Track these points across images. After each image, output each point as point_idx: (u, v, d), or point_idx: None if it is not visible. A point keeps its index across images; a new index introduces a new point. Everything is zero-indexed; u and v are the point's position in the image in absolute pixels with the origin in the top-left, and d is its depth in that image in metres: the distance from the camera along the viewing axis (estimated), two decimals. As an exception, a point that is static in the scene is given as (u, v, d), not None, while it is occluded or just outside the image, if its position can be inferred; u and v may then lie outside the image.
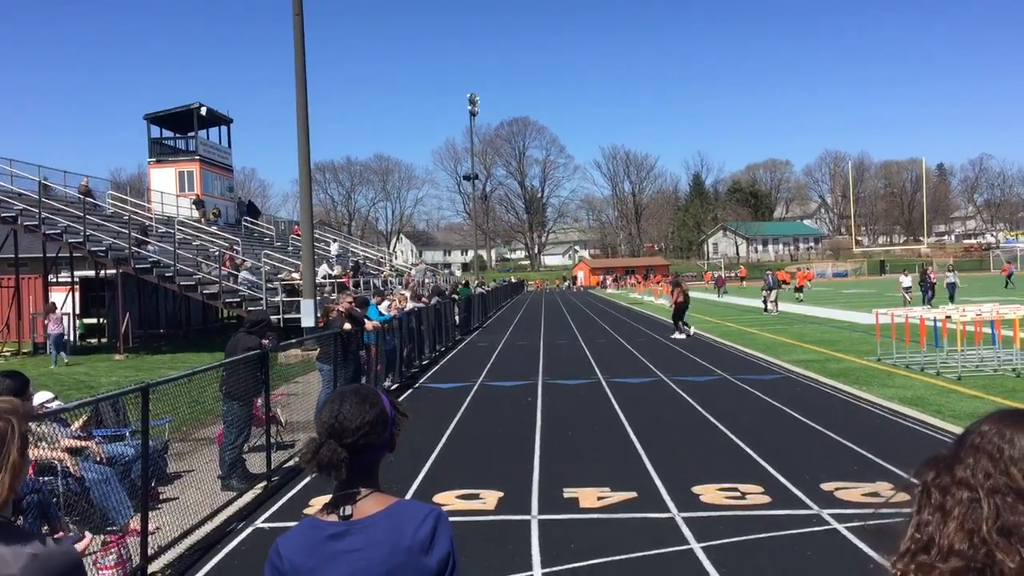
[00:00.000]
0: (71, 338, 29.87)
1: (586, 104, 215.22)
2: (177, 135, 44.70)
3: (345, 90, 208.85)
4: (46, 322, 25.51)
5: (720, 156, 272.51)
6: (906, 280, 42.27)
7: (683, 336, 26.17)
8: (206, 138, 45.26)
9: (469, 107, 74.45)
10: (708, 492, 8.23)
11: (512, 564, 6.42)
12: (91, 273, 32.35)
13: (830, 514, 7.40)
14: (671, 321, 27.71)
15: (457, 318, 29.58)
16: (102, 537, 6.45)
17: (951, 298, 38.12)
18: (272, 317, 24.89)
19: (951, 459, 1.86)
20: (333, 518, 2.22)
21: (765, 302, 39.35)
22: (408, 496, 8.40)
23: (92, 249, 28.33)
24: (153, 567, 6.65)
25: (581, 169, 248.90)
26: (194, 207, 40.48)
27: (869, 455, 9.59)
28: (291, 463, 10.28)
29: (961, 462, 1.83)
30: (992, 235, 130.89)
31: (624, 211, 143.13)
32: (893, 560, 1.87)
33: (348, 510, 2.22)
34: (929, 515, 1.82)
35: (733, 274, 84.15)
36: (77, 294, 31.97)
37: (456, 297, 31.84)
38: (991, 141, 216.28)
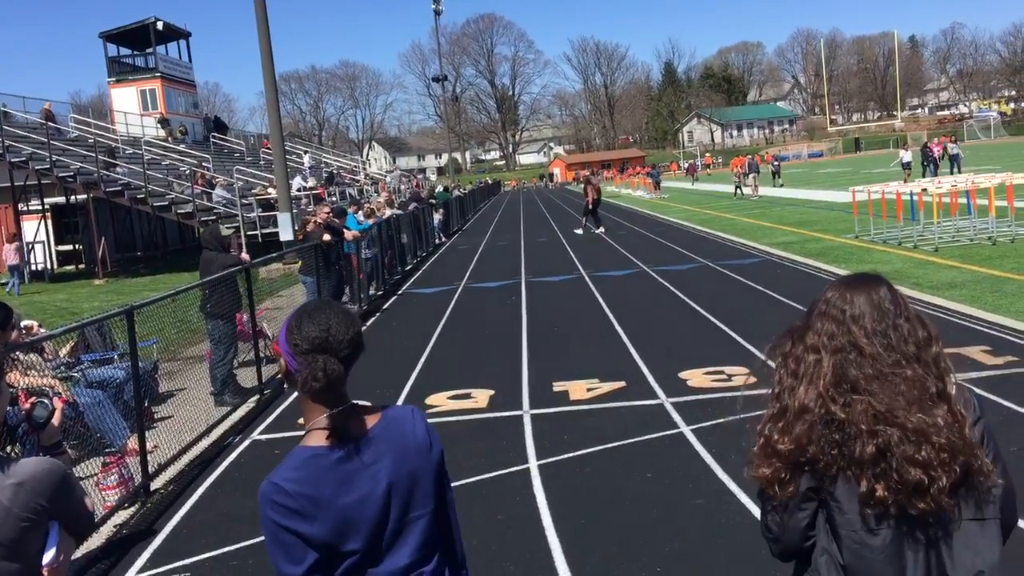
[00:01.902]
0: (48, 266, 29.63)
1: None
2: (135, 52, 43.47)
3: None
4: (3, 255, 25.20)
5: (691, 42, 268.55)
6: (905, 155, 39.47)
7: (586, 231, 26.52)
8: (165, 54, 44.04)
9: (433, 6, 72.69)
10: (695, 376, 8.38)
11: (508, 458, 6.56)
12: (62, 200, 31.86)
13: (814, 390, 7.55)
14: (584, 216, 28.00)
15: (437, 221, 29.48)
16: (102, 459, 6.53)
17: (957, 169, 36.56)
18: (250, 232, 24.75)
19: (803, 328, 2.07)
20: (330, 442, 2.08)
21: (738, 187, 39.67)
22: (401, 400, 8.52)
23: (60, 175, 27.83)
24: (155, 484, 6.76)
25: (551, 64, 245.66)
26: (159, 126, 39.68)
27: (850, 331, 9.74)
28: (282, 375, 10.36)
29: (811, 328, 2.02)
30: (965, 105, 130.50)
31: (597, 104, 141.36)
32: (759, 427, 2.06)
33: (353, 429, 2.11)
34: (786, 381, 2.02)
35: (699, 162, 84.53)
36: (49, 221, 31.54)
37: (434, 202, 31.67)
38: (962, 9, 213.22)
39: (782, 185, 43.45)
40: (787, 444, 1.96)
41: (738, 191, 39.50)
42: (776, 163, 47.60)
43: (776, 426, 2.01)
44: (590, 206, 27.08)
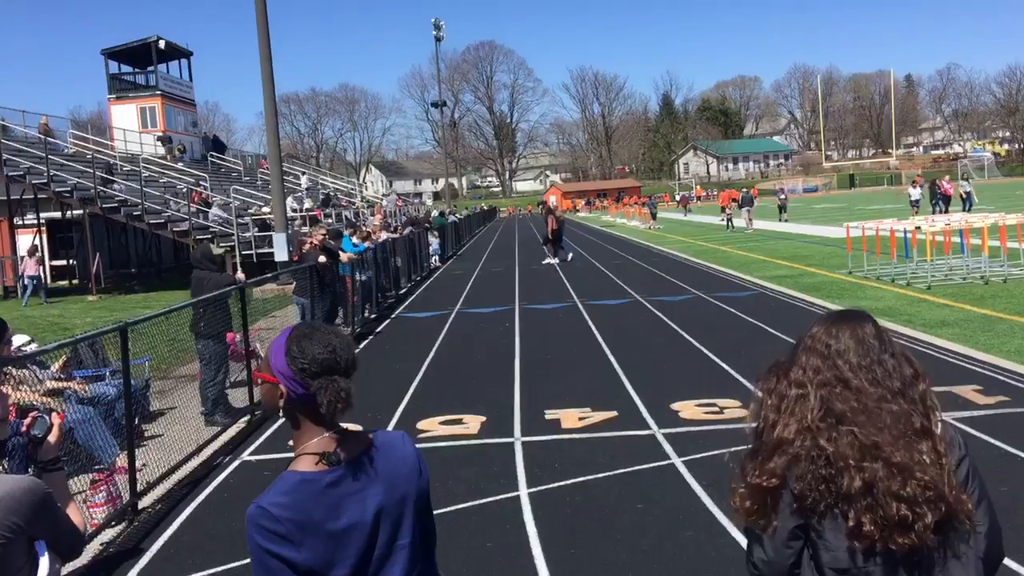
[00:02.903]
0: (42, 281, 29.55)
1: (553, 25, 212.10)
2: (136, 70, 43.62)
3: (307, 18, 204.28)
4: (21, 266, 25.64)
5: (689, 75, 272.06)
6: (914, 192, 37.95)
7: (556, 260, 27.04)
8: (166, 72, 44.22)
9: (434, 32, 73.14)
10: (687, 408, 8.38)
11: (498, 485, 6.54)
12: (57, 214, 31.83)
13: (806, 424, 7.56)
14: (544, 245, 28.72)
15: (433, 245, 29.54)
16: (91, 476, 6.50)
17: (967, 210, 34.83)
18: (245, 252, 24.74)
19: (788, 364, 2.08)
20: (320, 467, 2.07)
21: (729, 220, 39.95)
22: (392, 425, 8.50)
23: (57, 190, 27.83)
24: (143, 502, 6.73)
25: (550, 92, 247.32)
26: (160, 143, 39.75)
27: (843, 366, 9.75)
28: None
29: (796, 363, 2.04)
30: (960, 145, 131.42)
31: (594, 133, 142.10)
32: (741, 462, 2.08)
33: (343, 454, 2.09)
34: (768, 415, 2.04)
35: (692, 194, 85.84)
36: (44, 236, 31.49)
37: (427, 225, 31.75)
38: (959, 50, 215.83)
39: (787, 220, 41.76)
40: (761, 478, 1.97)
41: (729, 224, 39.67)
42: (783, 196, 45.99)
43: (755, 461, 2.03)
44: (549, 236, 27.98)
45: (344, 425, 2.17)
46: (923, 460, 1.88)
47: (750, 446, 2.10)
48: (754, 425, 2.11)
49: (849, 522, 1.89)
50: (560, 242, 27.95)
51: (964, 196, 38.15)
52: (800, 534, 1.97)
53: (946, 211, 34.05)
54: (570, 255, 27.47)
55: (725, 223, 40.43)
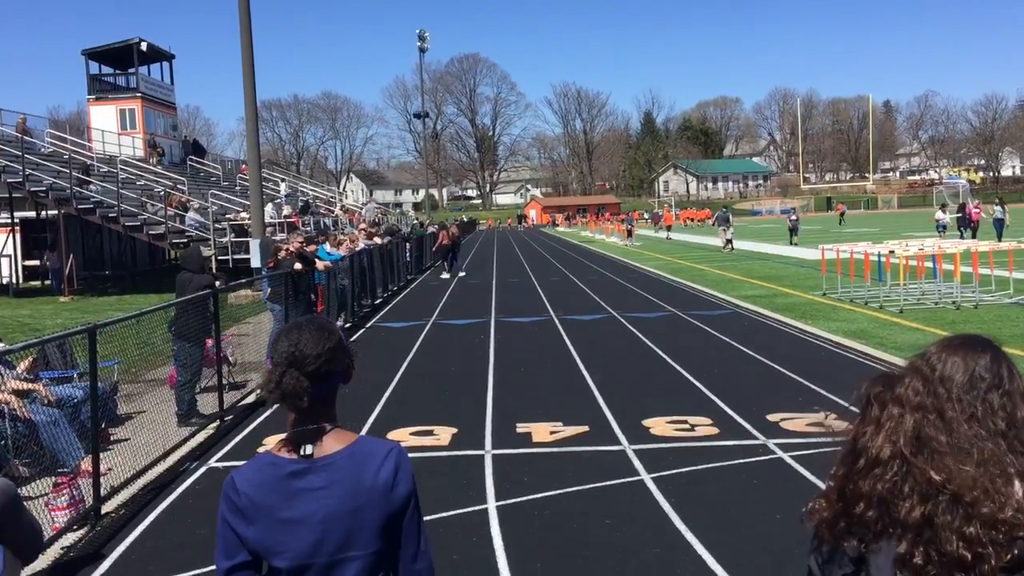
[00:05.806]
0: (14, 280, 29.22)
1: (537, 41, 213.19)
2: (117, 71, 43.27)
3: (291, 25, 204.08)
4: (46, 260, 28.29)
5: (671, 94, 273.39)
6: (943, 216, 36.55)
7: (448, 276, 28.11)
8: (147, 75, 43.90)
9: (418, 43, 73.13)
10: (658, 425, 8.39)
11: (466, 498, 6.51)
12: (32, 214, 31.50)
13: (776, 444, 7.61)
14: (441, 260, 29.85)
15: (409, 256, 29.51)
16: (53, 479, 6.41)
17: (999, 236, 32.31)
18: (221, 257, 24.59)
19: (896, 378, 1.96)
20: (293, 455, 2.16)
21: (730, 241, 39.46)
22: (362, 434, 8.44)
23: (32, 189, 27.53)
24: (107, 507, 6.64)
25: (532, 107, 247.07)
26: (147, 145, 39.51)
27: (814, 387, 9.84)
28: (244, 402, 10.28)
29: (901, 381, 1.93)
30: (936, 171, 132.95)
31: (576, 149, 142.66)
32: (832, 469, 1.98)
33: (310, 448, 2.15)
34: (866, 427, 1.94)
35: (661, 213, 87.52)
36: (18, 235, 31.13)
37: (411, 236, 31.75)
38: (936, 78, 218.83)
39: (797, 244, 39.42)
40: (854, 500, 1.87)
41: (728, 245, 38.33)
42: (794, 218, 43.35)
43: (848, 468, 1.92)
44: (434, 249, 29.27)
45: (337, 426, 2.25)
46: (1009, 503, 1.74)
47: (842, 452, 1.96)
48: (852, 425, 1.96)
49: (900, 550, 1.79)
50: (452, 259, 28.98)
51: (996, 221, 35.57)
52: (850, 564, 1.88)
53: (974, 238, 31.92)
54: (458, 275, 28.34)
55: (724, 245, 39.09)
